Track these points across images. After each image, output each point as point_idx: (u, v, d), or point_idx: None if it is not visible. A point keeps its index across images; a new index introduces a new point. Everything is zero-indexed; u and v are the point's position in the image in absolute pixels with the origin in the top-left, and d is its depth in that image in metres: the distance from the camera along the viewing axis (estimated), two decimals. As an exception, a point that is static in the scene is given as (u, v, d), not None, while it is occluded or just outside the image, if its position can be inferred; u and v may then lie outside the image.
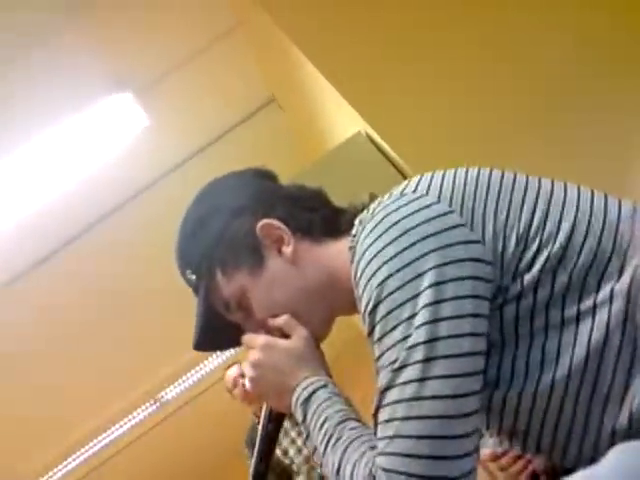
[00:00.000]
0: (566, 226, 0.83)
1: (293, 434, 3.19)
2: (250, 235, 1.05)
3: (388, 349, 0.81)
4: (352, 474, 0.83)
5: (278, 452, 3.19)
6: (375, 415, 0.82)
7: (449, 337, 0.78)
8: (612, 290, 0.79)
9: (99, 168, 3.57)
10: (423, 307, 0.79)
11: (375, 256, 0.84)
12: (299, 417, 0.97)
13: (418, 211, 0.85)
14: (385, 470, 0.78)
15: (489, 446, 1.21)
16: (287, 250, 1.05)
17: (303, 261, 1.05)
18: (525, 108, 2.30)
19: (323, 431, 0.91)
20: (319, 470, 2.99)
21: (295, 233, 1.06)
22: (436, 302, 0.79)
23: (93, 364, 4.47)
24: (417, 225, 0.84)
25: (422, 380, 0.78)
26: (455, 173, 0.91)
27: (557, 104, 2.27)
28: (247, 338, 1.06)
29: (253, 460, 1.09)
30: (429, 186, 0.89)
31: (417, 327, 0.79)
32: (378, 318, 0.82)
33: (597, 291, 0.80)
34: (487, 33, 2.38)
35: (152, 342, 4.56)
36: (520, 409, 0.83)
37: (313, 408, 0.95)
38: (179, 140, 3.79)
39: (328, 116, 2.94)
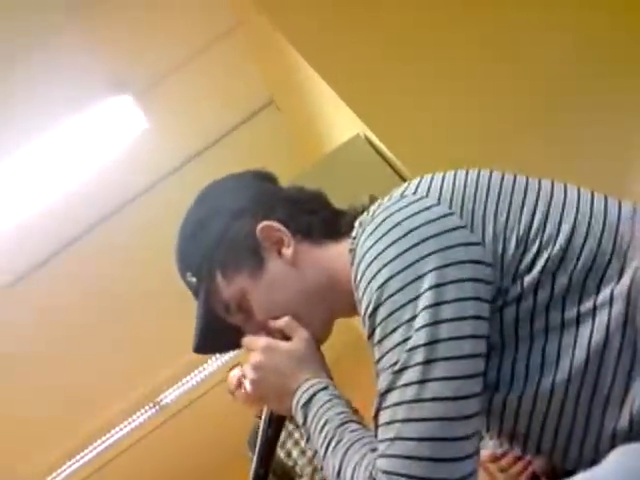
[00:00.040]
0: (566, 228, 0.83)
1: (297, 435, 3.18)
2: (250, 237, 1.05)
3: (388, 351, 0.81)
4: (353, 476, 0.83)
5: (281, 454, 3.18)
6: (375, 417, 0.82)
7: (450, 339, 0.78)
8: (612, 292, 0.79)
9: (98, 170, 3.57)
10: (423, 309, 0.79)
11: (375, 258, 0.84)
12: (300, 420, 0.96)
13: (418, 213, 0.85)
14: (386, 472, 0.78)
15: (489, 447, 1.21)
16: (287, 252, 1.05)
17: (303, 263, 1.05)
18: (525, 108, 2.30)
19: (324, 434, 0.91)
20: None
21: (295, 235, 1.06)
22: (436, 304, 0.79)
23: (93, 366, 4.47)
24: (417, 227, 0.84)
25: (423, 382, 0.78)
26: (455, 175, 0.91)
27: (557, 104, 2.27)
28: (247, 340, 1.06)
29: (253, 464, 1.09)
30: (429, 188, 0.89)
31: (417, 329, 0.79)
32: (378, 320, 0.82)
33: (597, 293, 0.80)
34: (487, 33, 2.38)
35: (151, 344, 4.56)
36: (520, 412, 0.83)
37: (314, 411, 0.94)
38: (178, 142, 3.79)
39: (327, 118, 2.94)
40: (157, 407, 5.47)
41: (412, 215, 0.85)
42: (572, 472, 0.76)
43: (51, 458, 5.21)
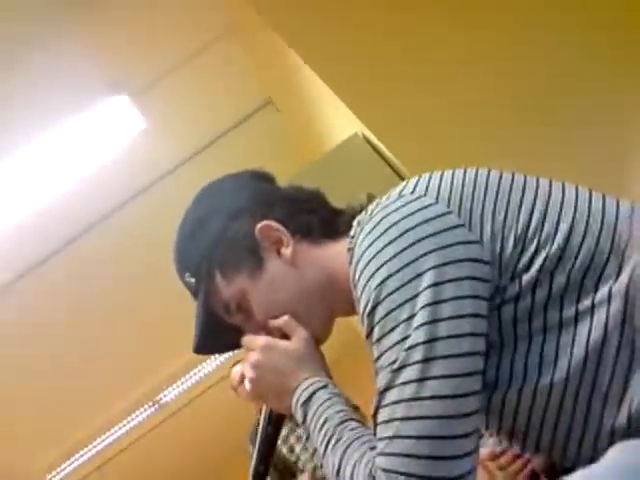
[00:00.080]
0: (564, 227, 0.83)
1: (299, 431, 3.18)
2: (249, 237, 1.05)
3: (387, 350, 0.81)
4: (352, 474, 0.83)
5: (284, 449, 3.17)
6: (374, 416, 0.82)
7: (448, 337, 0.78)
8: (610, 290, 0.79)
9: (96, 170, 3.57)
10: (422, 307, 0.79)
11: (374, 257, 0.84)
12: (299, 418, 0.97)
13: (416, 212, 0.85)
14: (385, 470, 0.78)
15: (488, 445, 1.21)
16: (286, 252, 1.05)
17: (302, 262, 1.05)
18: (524, 108, 2.30)
19: (323, 432, 0.91)
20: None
21: (294, 235, 1.06)
22: (435, 302, 0.79)
23: (93, 365, 4.47)
24: (416, 226, 0.84)
25: (421, 380, 0.78)
26: (453, 174, 0.91)
27: (557, 104, 2.27)
28: (247, 339, 1.06)
29: (253, 460, 1.09)
30: (427, 187, 0.89)
31: (416, 328, 0.79)
32: (377, 319, 0.82)
33: (595, 291, 0.80)
34: (486, 33, 2.38)
35: (151, 343, 4.56)
36: (519, 409, 0.83)
37: (313, 409, 0.95)
38: (176, 142, 3.79)
39: (325, 118, 2.94)
40: (157, 406, 5.47)
41: (410, 214, 0.85)
42: (571, 469, 0.77)
43: (51, 457, 5.21)
